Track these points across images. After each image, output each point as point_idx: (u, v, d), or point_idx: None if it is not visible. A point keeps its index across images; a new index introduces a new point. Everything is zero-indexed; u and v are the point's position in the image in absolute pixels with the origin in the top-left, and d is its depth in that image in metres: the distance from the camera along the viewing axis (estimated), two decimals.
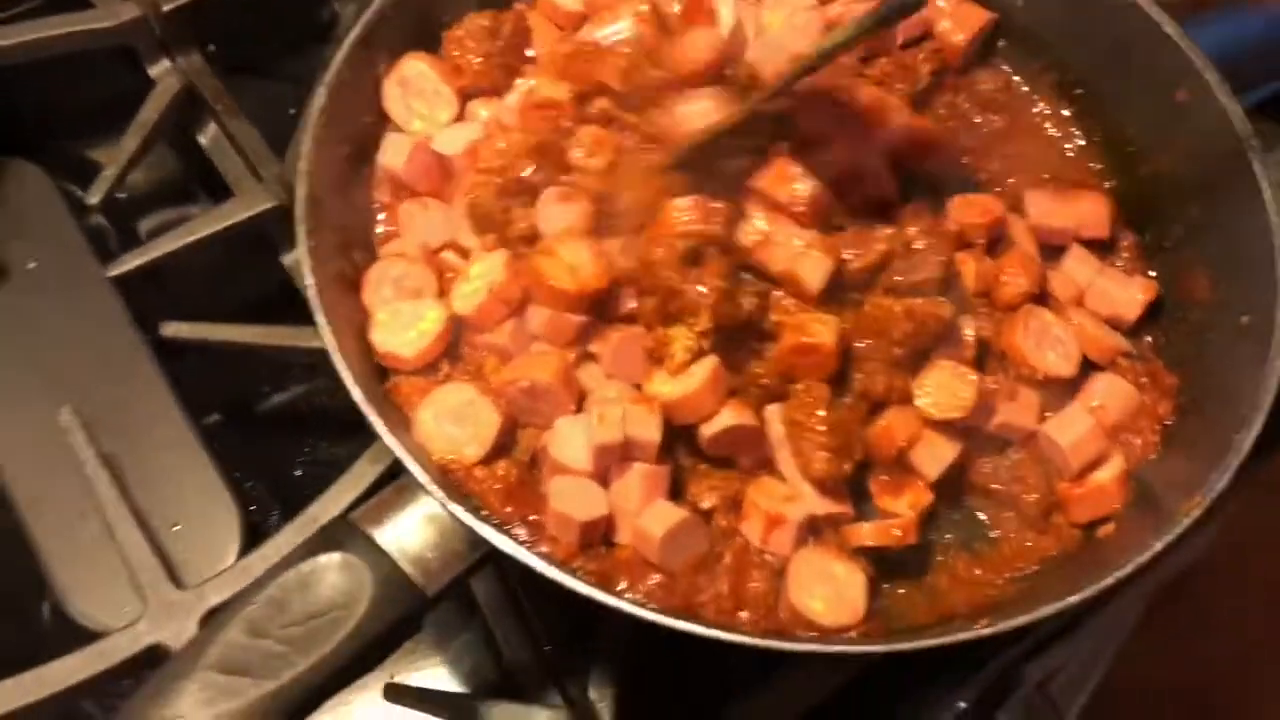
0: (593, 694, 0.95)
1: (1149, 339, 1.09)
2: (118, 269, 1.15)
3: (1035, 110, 1.17)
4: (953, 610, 0.96)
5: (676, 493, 0.95)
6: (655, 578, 0.90)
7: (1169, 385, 1.04)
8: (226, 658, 0.77)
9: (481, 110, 1.10)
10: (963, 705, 1.11)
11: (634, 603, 0.84)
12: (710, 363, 0.93)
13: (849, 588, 0.91)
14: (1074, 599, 0.85)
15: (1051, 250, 1.09)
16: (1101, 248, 1.10)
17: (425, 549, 0.85)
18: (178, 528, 1.07)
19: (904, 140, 1.06)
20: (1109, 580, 0.86)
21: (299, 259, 0.93)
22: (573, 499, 0.90)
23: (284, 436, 1.23)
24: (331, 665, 0.79)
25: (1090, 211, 1.09)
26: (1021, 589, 0.97)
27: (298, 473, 1.20)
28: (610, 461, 0.91)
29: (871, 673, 1.03)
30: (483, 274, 0.99)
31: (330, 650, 0.79)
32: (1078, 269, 1.07)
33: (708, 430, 0.94)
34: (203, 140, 1.28)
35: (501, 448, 0.94)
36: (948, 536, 1.00)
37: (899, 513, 0.94)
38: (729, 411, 0.94)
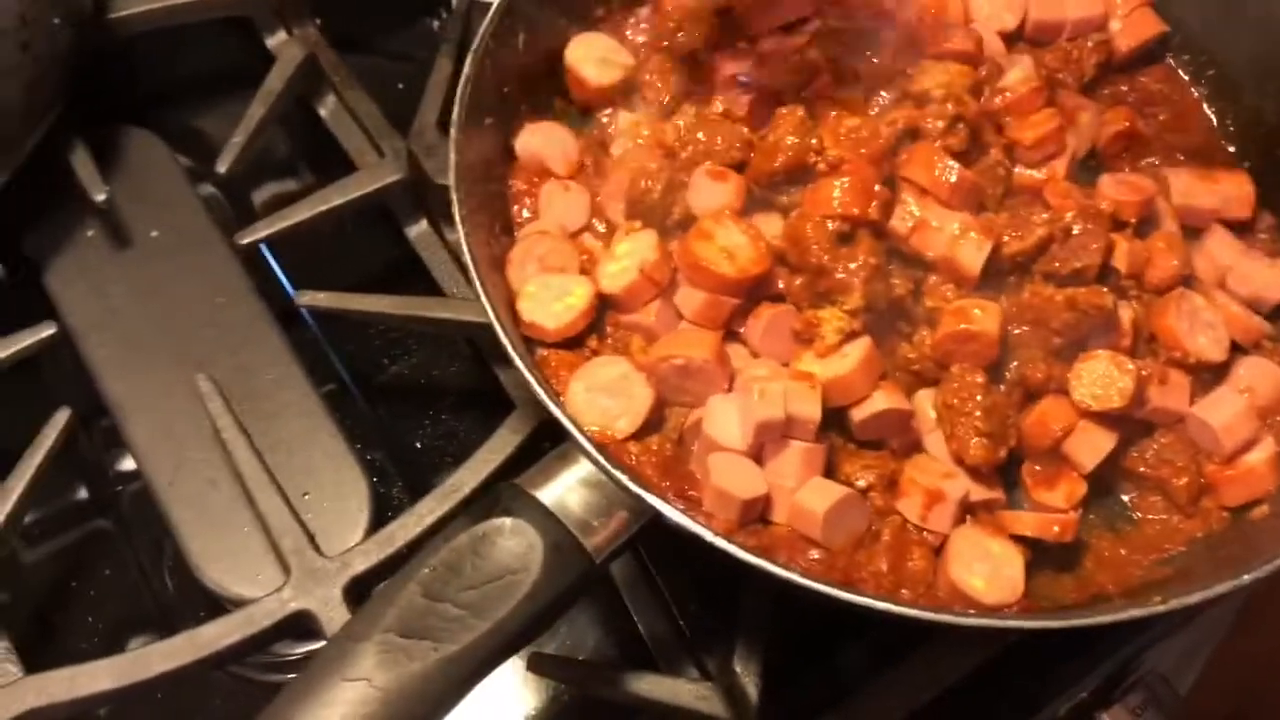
0: (737, 667, 0.95)
1: None
2: (245, 239, 1.14)
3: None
4: (1101, 590, 0.95)
5: (828, 472, 0.94)
6: (814, 554, 0.89)
7: None
8: (405, 621, 0.77)
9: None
10: (1083, 694, 1.10)
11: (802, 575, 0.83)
12: (864, 344, 0.93)
13: (1007, 565, 0.90)
14: (1248, 578, 0.84)
15: (1191, 231, 1.08)
16: (1241, 229, 1.09)
17: (590, 516, 0.84)
18: (307, 496, 1.07)
19: None
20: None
21: (458, 229, 0.92)
22: (733, 476, 0.89)
23: (401, 408, 1.22)
24: (508, 630, 0.78)
25: (1233, 191, 1.08)
26: (1169, 571, 0.96)
27: (417, 444, 1.20)
28: (770, 438, 0.90)
29: (1007, 654, 1.02)
30: (631, 253, 0.98)
31: (506, 614, 0.78)
32: (1220, 250, 1.06)
33: (859, 413, 0.93)
34: (322, 112, 1.28)
35: (651, 424, 0.94)
36: (1090, 517, 0.99)
37: (1054, 504, 0.94)
38: (881, 395, 0.93)
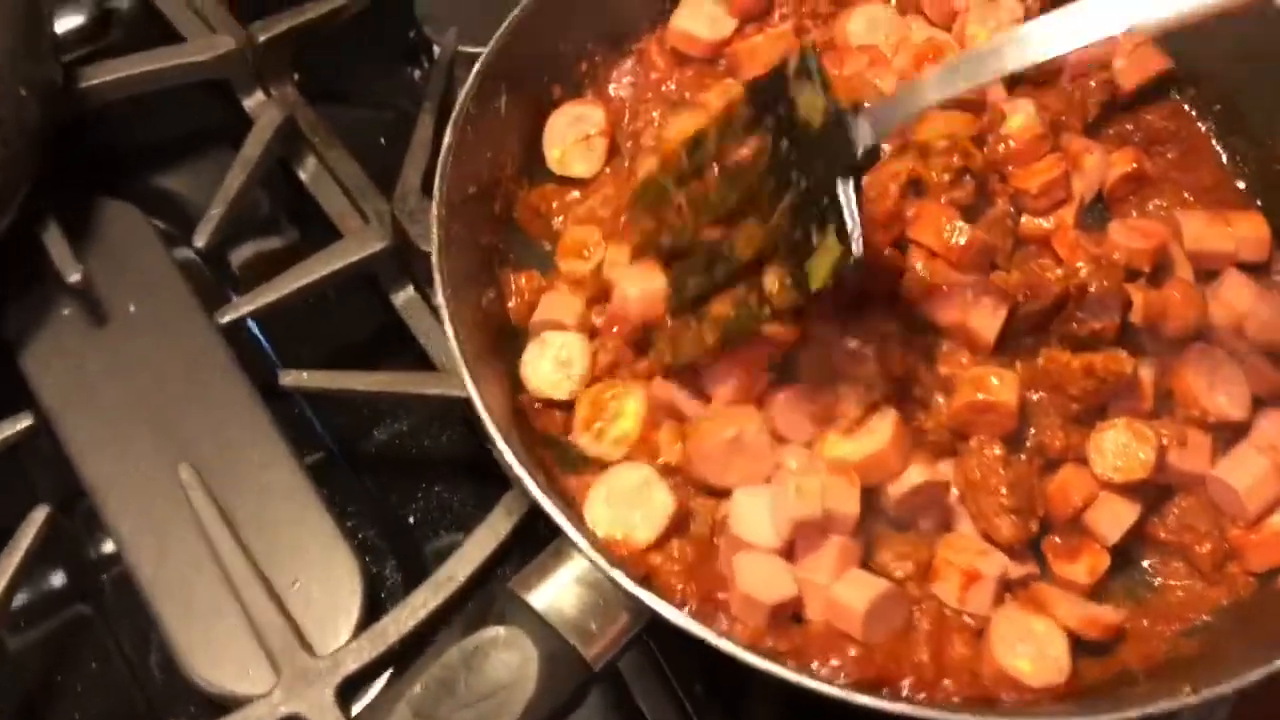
0: None
1: None
2: (226, 316, 1.11)
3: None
4: (1125, 667, 0.91)
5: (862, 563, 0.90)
6: (852, 651, 0.85)
7: None
8: None
9: None
10: None
11: (831, 680, 0.79)
12: (891, 417, 0.89)
13: (1051, 645, 0.86)
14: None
15: (1204, 275, 1.04)
16: (1256, 271, 1.05)
17: (588, 619, 0.80)
18: (297, 584, 1.03)
19: None
20: None
21: (441, 311, 0.89)
22: (759, 579, 0.85)
23: (392, 479, 1.18)
24: None
25: (1249, 233, 1.04)
26: (1195, 645, 0.92)
27: (410, 518, 1.16)
28: (807, 536, 0.86)
29: None
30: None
31: None
32: (1237, 295, 1.01)
33: (896, 490, 0.89)
34: (303, 175, 1.24)
35: (675, 528, 0.90)
36: (1111, 586, 0.95)
37: (1076, 579, 0.90)
38: (916, 468, 0.89)
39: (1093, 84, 1.10)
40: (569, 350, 0.98)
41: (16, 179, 1.08)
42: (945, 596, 0.88)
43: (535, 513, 1.00)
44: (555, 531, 0.85)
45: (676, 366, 0.93)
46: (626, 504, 0.88)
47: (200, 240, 1.13)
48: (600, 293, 1.01)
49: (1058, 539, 0.92)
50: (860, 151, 0.81)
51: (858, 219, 0.79)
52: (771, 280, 0.85)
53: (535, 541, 0.96)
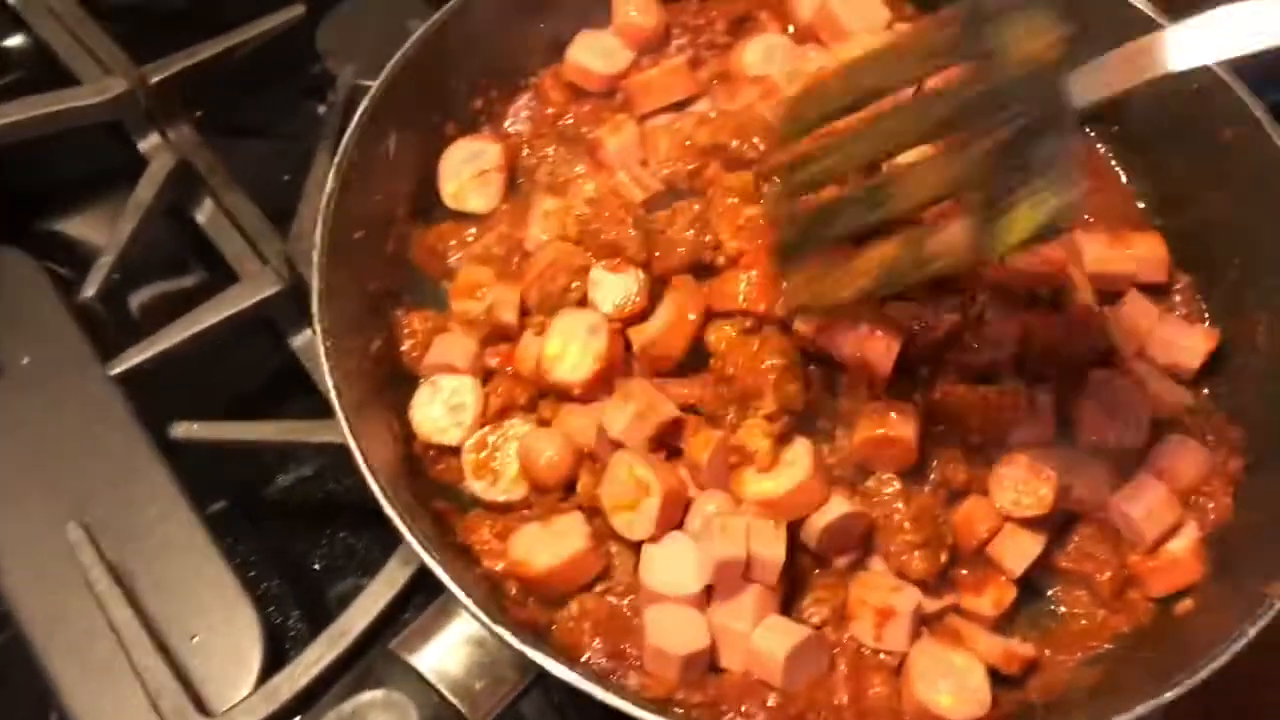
0: None
1: (1207, 391, 1.04)
2: (120, 366, 1.09)
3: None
4: (1026, 699, 0.90)
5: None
6: (771, 700, 0.84)
7: (1235, 439, 0.99)
8: None
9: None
10: None
11: None
12: (806, 446, 0.88)
13: (971, 678, 0.86)
14: (1169, 695, 0.79)
15: (1106, 296, 1.04)
16: (1156, 292, 1.05)
17: (471, 677, 0.79)
18: (196, 639, 1.01)
19: None
20: (1203, 672, 0.81)
21: (321, 361, 0.87)
22: (671, 631, 0.84)
23: (296, 526, 1.16)
24: None
25: (1148, 254, 1.04)
26: (1097, 672, 0.92)
27: (315, 566, 1.14)
28: (727, 578, 0.85)
29: None
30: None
31: None
32: (1138, 316, 1.02)
33: (820, 520, 0.88)
34: (199, 218, 1.22)
35: (591, 581, 0.90)
36: (1015, 616, 0.94)
37: (982, 611, 0.90)
38: (838, 499, 0.88)
39: None
40: (460, 395, 0.97)
41: None
42: (862, 636, 0.87)
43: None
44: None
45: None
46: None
47: (90, 289, 1.11)
48: (493, 333, 0.99)
49: (964, 571, 0.91)
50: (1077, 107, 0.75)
51: (1078, 178, 0.73)
52: (957, 231, 0.77)
53: (430, 594, 0.95)
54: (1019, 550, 0.92)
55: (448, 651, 0.80)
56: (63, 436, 1.10)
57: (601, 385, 0.93)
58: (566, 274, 0.97)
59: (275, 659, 1.00)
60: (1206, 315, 1.06)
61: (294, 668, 0.94)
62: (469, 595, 0.79)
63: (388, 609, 0.96)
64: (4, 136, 1.21)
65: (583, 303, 0.96)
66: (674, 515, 0.89)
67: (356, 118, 0.99)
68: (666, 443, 0.92)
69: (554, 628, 0.87)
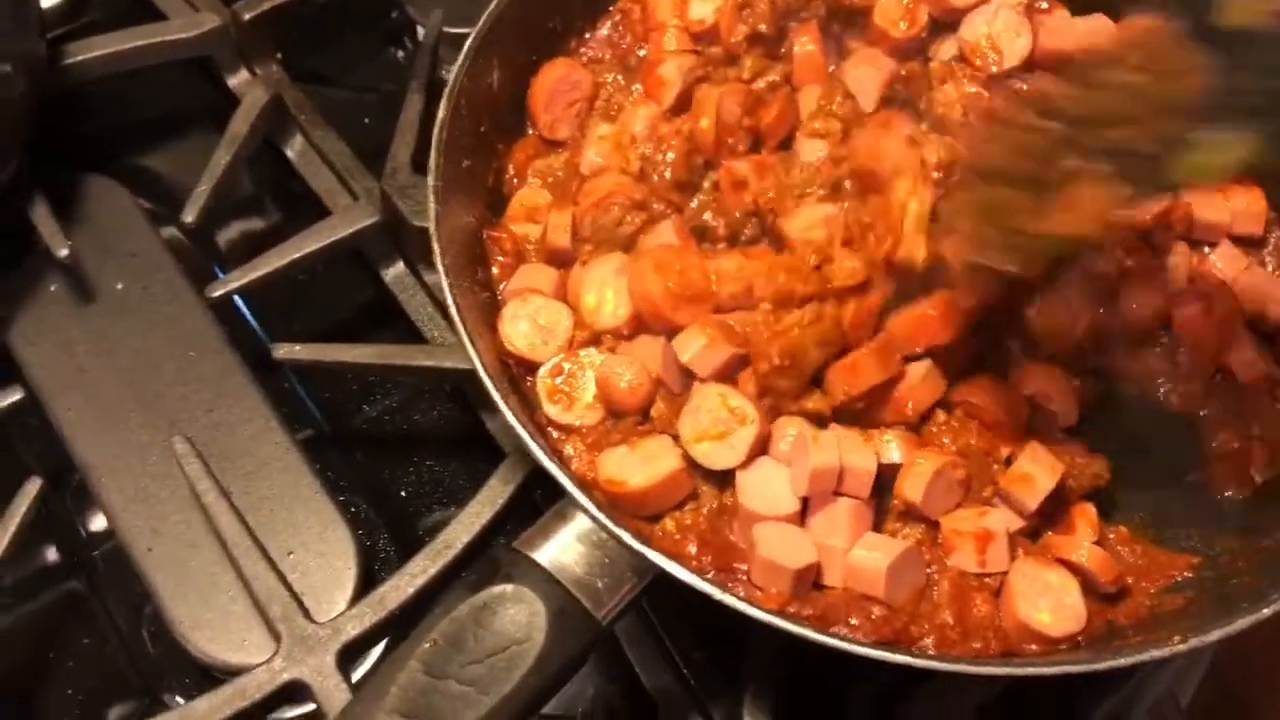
0: (747, 717, 0.92)
1: None
2: (217, 290, 1.10)
3: None
4: (1113, 621, 0.93)
5: None
6: (876, 612, 0.86)
7: None
8: (408, 700, 0.74)
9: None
10: None
11: (853, 640, 0.81)
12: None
13: (1068, 594, 0.88)
14: (1267, 611, 0.82)
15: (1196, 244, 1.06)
16: (1251, 244, 1.08)
17: (594, 576, 0.81)
18: (292, 556, 1.04)
19: None
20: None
21: (443, 281, 0.89)
22: (781, 546, 0.86)
23: (382, 454, 1.19)
24: (515, 704, 0.75)
25: (1245, 207, 1.06)
26: (1180, 600, 0.94)
27: (402, 492, 1.16)
28: (823, 489, 0.88)
29: (1017, 689, 1.00)
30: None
31: (513, 688, 0.75)
32: (1227, 264, 1.04)
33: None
34: (290, 153, 1.24)
35: (682, 501, 0.91)
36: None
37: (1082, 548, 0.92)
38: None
39: None
40: (547, 315, 0.97)
41: (2, 154, 1.07)
42: (965, 565, 0.90)
43: (530, 483, 1.02)
44: (556, 495, 0.86)
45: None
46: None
47: (189, 215, 1.13)
48: (550, 258, 1.02)
49: (1050, 532, 0.94)
50: None
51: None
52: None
53: (529, 512, 0.98)
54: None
55: (567, 551, 0.82)
56: (158, 360, 1.12)
57: (651, 320, 0.95)
58: (622, 208, 0.99)
59: (367, 580, 1.03)
60: None
61: (398, 578, 0.97)
62: (589, 496, 0.82)
63: (489, 525, 0.99)
64: (95, 69, 1.22)
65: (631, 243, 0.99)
66: (759, 446, 0.91)
67: (465, 50, 1.01)
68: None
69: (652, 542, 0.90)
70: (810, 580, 0.88)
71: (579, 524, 0.83)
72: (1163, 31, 0.78)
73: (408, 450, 1.18)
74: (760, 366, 0.90)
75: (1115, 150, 0.77)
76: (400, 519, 1.14)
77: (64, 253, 1.10)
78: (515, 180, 1.07)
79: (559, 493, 0.85)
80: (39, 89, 1.12)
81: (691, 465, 0.91)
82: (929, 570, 0.89)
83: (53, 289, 1.15)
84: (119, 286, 1.16)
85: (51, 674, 1.07)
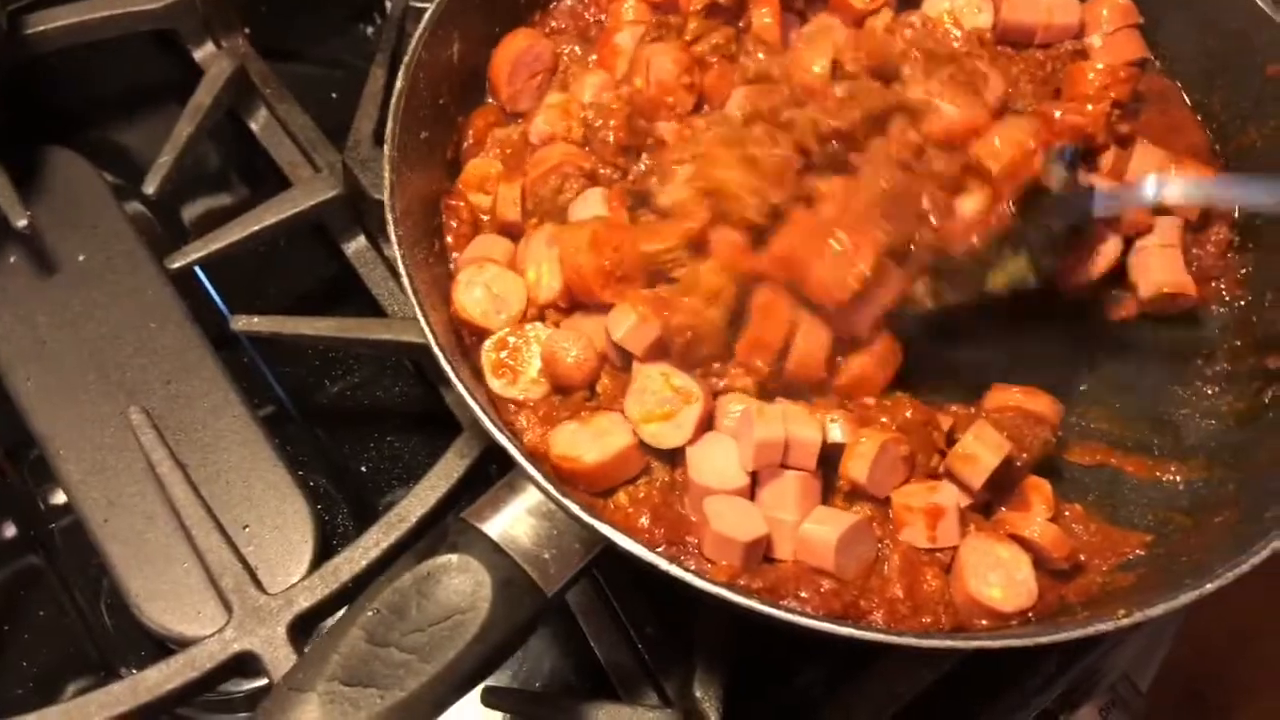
0: (697, 692, 0.92)
1: None
2: (178, 261, 1.10)
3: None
4: (1064, 599, 0.93)
5: None
6: (826, 585, 0.86)
7: None
8: (349, 668, 0.74)
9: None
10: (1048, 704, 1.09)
11: (803, 614, 0.81)
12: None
13: (1019, 570, 0.88)
14: (1210, 586, 0.82)
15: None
16: (1194, 228, 1.07)
17: (541, 547, 0.81)
18: (248, 528, 1.04)
19: None
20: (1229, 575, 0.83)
21: (396, 252, 0.89)
22: (731, 518, 0.86)
23: (343, 430, 1.19)
24: (457, 673, 0.75)
25: None
26: (1131, 578, 0.94)
27: (362, 468, 1.16)
28: (769, 462, 0.87)
29: (970, 665, 1.01)
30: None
31: (455, 657, 0.75)
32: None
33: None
34: (254, 126, 1.24)
35: (635, 476, 0.91)
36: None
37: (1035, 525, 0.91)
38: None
39: (1065, 50, 1.09)
40: (501, 285, 0.96)
41: None
42: (916, 540, 0.89)
43: (485, 457, 1.02)
44: (510, 469, 0.85)
45: None
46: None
47: (150, 186, 1.12)
48: (501, 230, 1.01)
49: (1004, 509, 0.94)
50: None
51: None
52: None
53: (485, 487, 0.97)
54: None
55: (516, 522, 0.81)
56: (118, 332, 1.12)
57: (581, 295, 0.94)
58: (559, 176, 0.99)
59: (324, 552, 1.03)
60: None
61: (352, 550, 0.96)
62: (538, 468, 0.82)
63: (444, 499, 0.99)
64: (57, 40, 1.22)
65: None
66: (705, 422, 0.91)
67: (424, 22, 1.01)
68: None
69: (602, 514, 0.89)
70: (760, 553, 0.87)
71: (529, 496, 0.83)
72: None
73: (369, 426, 1.18)
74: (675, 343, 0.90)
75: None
76: (360, 494, 1.14)
77: (22, 223, 1.09)
78: (474, 147, 1.06)
79: (512, 466, 0.85)
80: (2, 58, 1.12)
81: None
82: (880, 545, 0.89)
83: (12, 260, 1.15)
84: (80, 258, 1.16)
85: (8, 647, 1.07)
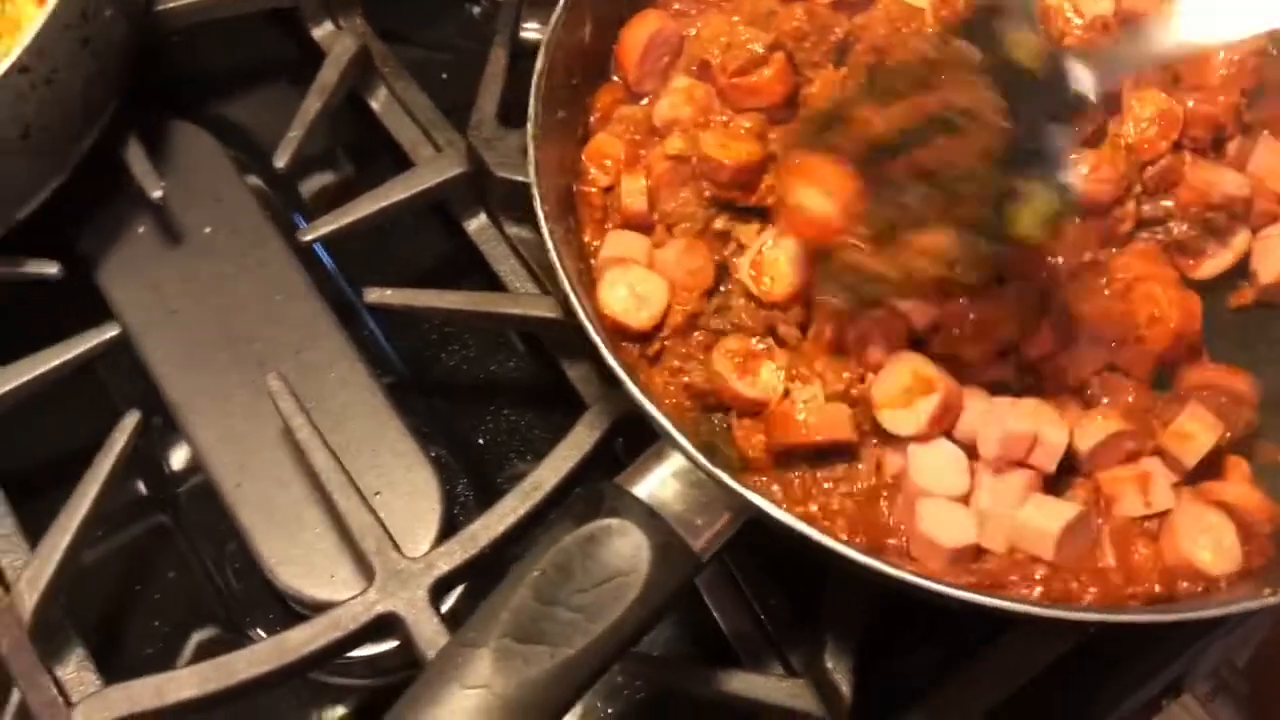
0: (828, 663, 0.94)
1: None
2: (308, 235, 1.12)
3: None
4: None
5: None
6: (1040, 572, 0.87)
7: None
8: (520, 625, 0.76)
9: None
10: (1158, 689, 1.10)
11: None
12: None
13: (1225, 535, 0.88)
14: None
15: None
16: None
17: (693, 514, 0.83)
18: (379, 495, 1.06)
19: None
20: None
21: (544, 229, 0.91)
22: (941, 521, 0.87)
23: (460, 403, 1.21)
24: (621, 633, 0.77)
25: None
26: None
27: (480, 440, 1.18)
28: (1011, 457, 0.89)
29: (1089, 644, 1.02)
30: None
31: (619, 617, 0.77)
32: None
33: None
34: (374, 105, 1.26)
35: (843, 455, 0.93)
36: None
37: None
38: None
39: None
40: (645, 285, 0.98)
41: (105, 94, 1.10)
42: (1130, 510, 0.90)
43: (613, 431, 1.04)
44: (639, 446, 0.87)
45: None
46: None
47: (281, 161, 1.14)
48: (627, 223, 1.03)
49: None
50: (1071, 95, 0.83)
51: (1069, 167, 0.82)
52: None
53: (610, 463, 1.01)
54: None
55: (666, 488, 0.83)
56: (246, 303, 1.14)
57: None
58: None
59: (450, 521, 1.05)
60: None
61: (489, 517, 0.98)
62: (687, 439, 0.83)
63: (577, 468, 1.01)
64: (188, 17, 1.24)
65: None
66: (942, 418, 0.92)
67: (561, 2, 1.03)
68: None
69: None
70: (968, 559, 0.89)
71: (675, 462, 0.85)
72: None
73: (484, 400, 1.21)
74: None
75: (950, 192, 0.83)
76: (479, 465, 1.16)
77: (158, 194, 1.12)
78: (600, 122, 1.08)
79: (643, 442, 0.87)
80: (137, 34, 1.14)
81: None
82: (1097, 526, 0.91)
83: (141, 231, 1.17)
84: (207, 230, 1.18)
85: (137, 605, 1.10)
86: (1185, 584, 0.89)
